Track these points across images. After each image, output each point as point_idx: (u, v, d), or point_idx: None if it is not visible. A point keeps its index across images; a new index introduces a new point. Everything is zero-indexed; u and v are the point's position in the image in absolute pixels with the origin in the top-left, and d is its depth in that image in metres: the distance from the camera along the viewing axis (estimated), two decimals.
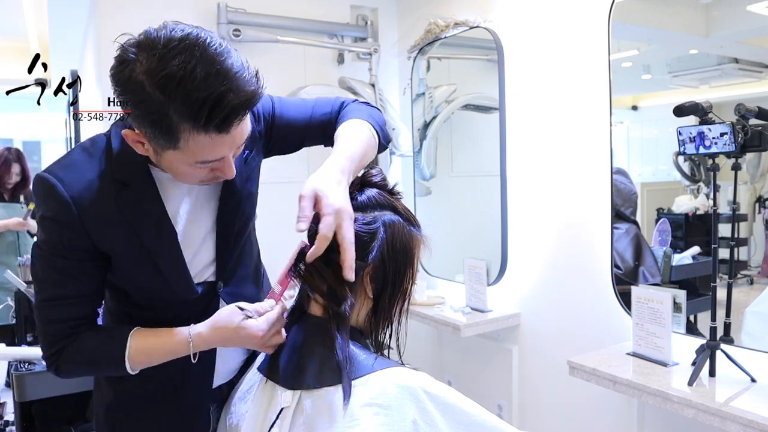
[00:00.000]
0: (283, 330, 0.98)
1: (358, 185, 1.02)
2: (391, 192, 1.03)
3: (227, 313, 0.96)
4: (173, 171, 0.92)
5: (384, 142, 1.14)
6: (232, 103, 0.80)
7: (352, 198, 0.98)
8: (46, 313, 0.97)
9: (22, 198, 3.70)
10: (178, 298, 1.03)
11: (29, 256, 3.02)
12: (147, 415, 1.10)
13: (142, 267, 0.99)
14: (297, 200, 0.87)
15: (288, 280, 0.95)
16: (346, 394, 0.86)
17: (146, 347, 0.98)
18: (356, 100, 1.18)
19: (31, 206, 3.64)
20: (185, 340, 0.96)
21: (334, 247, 0.88)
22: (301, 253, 0.92)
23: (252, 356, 1.14)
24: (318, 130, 1.15)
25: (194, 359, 0.97)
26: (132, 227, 0.95)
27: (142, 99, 0.80)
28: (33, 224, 3.62)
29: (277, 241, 1.43)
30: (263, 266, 1.27)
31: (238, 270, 1.12)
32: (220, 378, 1.13)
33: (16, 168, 3.64)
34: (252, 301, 1.03)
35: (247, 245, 1.15)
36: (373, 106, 1.17)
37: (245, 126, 0.88)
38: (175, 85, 0.78)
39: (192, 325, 0.98)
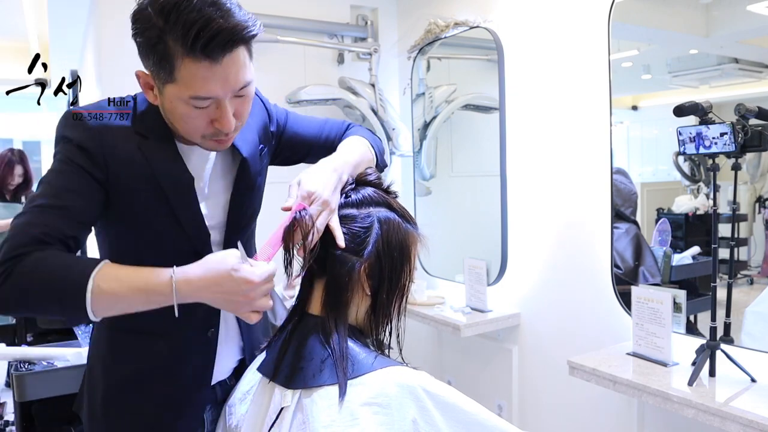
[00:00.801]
0: (268, 303, 0.89)
1: (353, 184, 1.03)
2: (387, 190, 1.04)
3: (222, 254, 0.88)
4: (174, 115, 0.92)
5: (380, 164, 1.18)
6: (220, 27, 0.83)
7: (347, 195, 0.99)
8: (30, 218, 0.88)
9: (23, 199, 3.71)
10: (189, 246, 1.00)
11: None
12: (142, 408, 1.06)
13: (158, 208, 0.97)
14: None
15: (280, 244, 0.91)
16: (341, 392, 0.86)
17: (119, 274, 0.85)
18: (362, 126, 1.27)
19: None
20: (167, 279, 0.85)
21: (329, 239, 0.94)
22: (292, 224, 0.91)
23: (252, 358, 1.14)
24: (323, 146, 1.21)
25: (176, 310, 0.85)
26: (152, 171, 0.95)
27: (147, 27, 0.85)
28: None
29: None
30: None
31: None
32: (214, 376, 1.12)
33: (19, 169, 3.65)
34: None
35: (250, 242, 1.18)
36: (376, 136, 1.25)
37: (239, 66, 0.88)
38: (173, 10, 0.82)
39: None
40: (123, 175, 0.94)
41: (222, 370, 1.14)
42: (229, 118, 0.91)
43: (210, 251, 1.00)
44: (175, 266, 0.87)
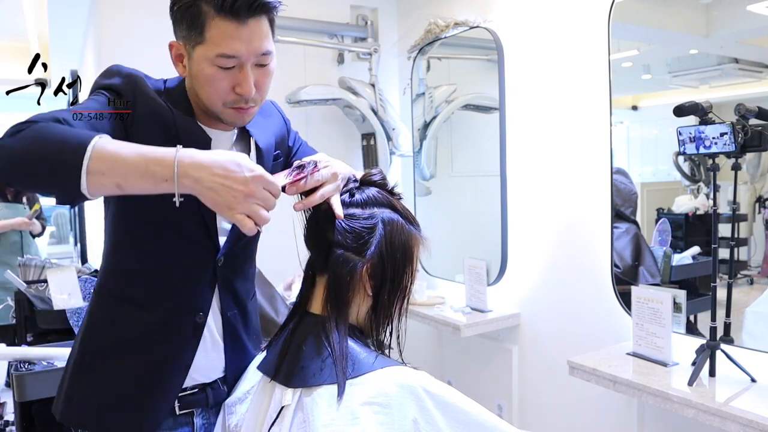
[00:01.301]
0: (266, 213, 0.85)
1: (357, 183, 1.03)
2: (391, 192, 1.04)
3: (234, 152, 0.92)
4: (200, 79, 0.97)
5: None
6: None
7: (352, 195, 1.00)
8: (52, 113, 0.90)
9: (24, 199, 3.71)
10: (197, 210, 0.98)
11: (30, 256, 3.03)
12: (115, 375, 1.04)
13: None
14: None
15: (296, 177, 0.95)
16: (340, 391, 0.86)
17: (122, 144, 0.83)
18: None
19: (37, 206, 3.65)
20: (171, 150, 0.82)
21: (329, 216, 0.96)
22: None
23: (242, 364, 1.13)
24: None
25: (177, 198, 0.82)
26: (174, 123, 0.99)
27: None
28: (38, 225, 3.63)
29: (271, 245, 1.41)
30: (257, 268, 1.28)
31: (240, 258, 1.13)
32: (200, 374, 1.09)
33: None
34: (239, 293, 1.11)
35: (253, 242, 1.17)
36: None
37: (262, 32, 0.96)
38: None
39: None
40: (146, 122, 0.98)
41: (207, 366, 1.10)
42: (249, 83, 0.96)
43: (215, 222, 1.04)
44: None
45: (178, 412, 1.07)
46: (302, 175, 0.95)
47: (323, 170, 0.97)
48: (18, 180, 0.86)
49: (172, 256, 1.05)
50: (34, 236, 3.73)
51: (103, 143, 0.81)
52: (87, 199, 0.83)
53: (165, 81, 1.06)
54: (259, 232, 0.93)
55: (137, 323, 1.04)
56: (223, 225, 1.08)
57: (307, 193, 0.97)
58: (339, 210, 0.97)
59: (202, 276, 1.07)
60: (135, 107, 0.98)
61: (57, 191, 0.85)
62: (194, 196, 0.84)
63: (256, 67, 0.97)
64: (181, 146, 0.83)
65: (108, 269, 1.09)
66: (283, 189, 0.94)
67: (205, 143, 1.01)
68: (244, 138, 1.11)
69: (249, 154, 1.09)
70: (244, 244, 1.13)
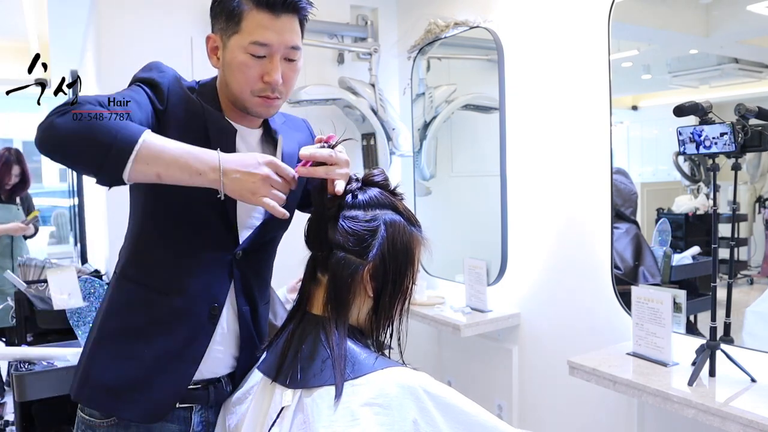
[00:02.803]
0: (282, 195, 0.96)
1: (360, 183, 1.03)
2: (393, 192, 1.04)
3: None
4: (232, 67, 1.05)
5: None
6: None
7: (354, 196, 1.00)
8: (94, 95, 0.97)
9: (18, 200, 3.67)
10: (218, 203, 1.02)
11: (28, 256, 3.02)
12: (130, 356, 1.06)
13: None
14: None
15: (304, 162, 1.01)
16: (338, 392, 0.86)
17: (167, 140, 0.93)
18: None
19: (35, 213, 3.62)
20: (213, 152, 0.94)
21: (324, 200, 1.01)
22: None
23: (249, 363, 1.13)
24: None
25: (221, 191, 0.93)
26: (203, 114, 1.06)
27: None
28: (31, 227, 3.58)
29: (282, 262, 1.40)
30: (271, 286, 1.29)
31: (257, 258, 1.15)
32: (207, 369, 1.09)
33: (16, 169, 3.61)
34: (254, 292, 1.13)
35: (271, 244, 1.20)
36: None
37: (293, 28, 1.05)
38: None
39: None
40: (178, 114, 1.05)
41: (214, 364, 1.11)
42: (277, 73, 1.04)
43: (235, 212, 1.08)
44: (204, 213, 1.03)
45: (177, 405, 1.08)
46: (327, 140, 1.05)
47: (340, 154, 1.03)
48: (61, 157, 0.92)
49: (194, 245, 1.08)
50: (26, 238, 3.69)
51: (152, 137, 0.92)
52: (123, 184, 0.92)
53: (198, 81, 1.15)
54: (283, 226, 1.14)
55: (154, 308, 1.06)
56: (248, 222, 1.12)
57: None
58: (340, 187, 1.00)
59: (220, 267, 1.09)
60: (168, 99, 1.05)
61: (100, 173, 0.92)
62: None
63: (284, 61, 1.06)
64: (219, 149, 0.95)
65: (129, 253, 1.12)
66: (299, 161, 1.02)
67: (230, 134, 1.08)
68: (270, 142, 1.16)
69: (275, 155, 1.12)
70: (263, 244, 1.15)
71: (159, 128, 1.01)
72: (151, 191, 1.06)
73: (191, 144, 0.97)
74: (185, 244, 1.08)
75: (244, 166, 0.94)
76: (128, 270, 1.10)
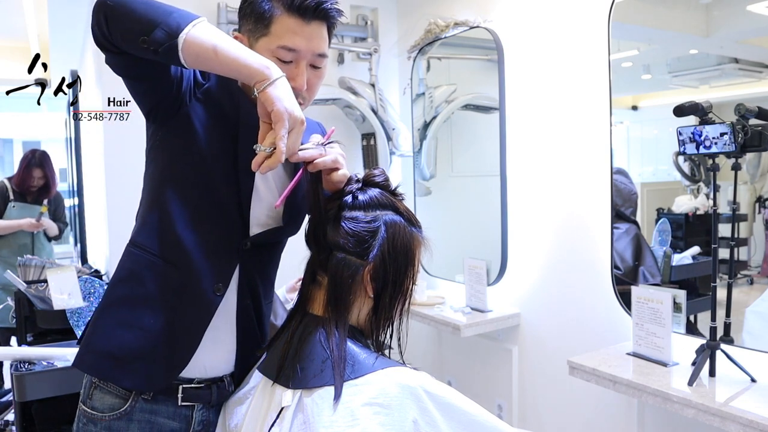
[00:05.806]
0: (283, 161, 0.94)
1: (361, 185, 1.03)
2: (394, 192, 1.04)
3: None
4: None
5: None
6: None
7: (355, 197, 1.00)
8: None
9: (45, 202, 3.58)
10: (235, 193, 1.07)
11: (30, 256, 3.01)
12: (126, 326, 1.06)
13: (224, 142, 1.07)
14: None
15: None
16: (337, 393, 0.86)
17: (221, 32, 0.96)
18: None
19: (44, 209, 3.55)
20: (276, 69, 0.95)
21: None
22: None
23: (250, 362, 1.13)
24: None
25: (256, 94, 0.94)
26: (238, 101, 1.08)
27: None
28: (48, 224, 3.54)
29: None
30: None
31: (264, 255, 1.15)
32: (211, 367, 1.10)
33: (37, 172, 3.52)
34: (257, 288, 1.12)
35: (278, 246, 1.20)
36: None
37: (321, 35, 1.06)
38: None
39: None
40: (216, 94, 1.08)
41: (212, 361, 1.10)
42: (303, 78, 1.05)
43: (249, 205, 1.09)
44: (219, 191, 1.05)
45: (180, 403, 1.07)
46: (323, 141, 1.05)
47: (332, 150, 1.05)
48: (118, 33, 0.93)
49: (205, 223, 1.08)
50: (50, 239, 3.63)
51: (201, 26, 0.93)
52: (177, 60, 0.92)
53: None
54: (294, 231, 1.16)
55: (160, 277, 1.06)
56: (262, 219, 1.11)
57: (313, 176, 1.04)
58: (313, 159, 1.00)
59: (227, 251, 1.09)
60: (211, 76, 1.09)
61: (157, 30, 0.91)
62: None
63: (310, 68, 1.06)
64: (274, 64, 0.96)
65: (140, 222, 1.12)
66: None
67: (256, 130, 1.08)
68: None
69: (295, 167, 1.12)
70: (271, 244, 1.15)
71: (196, 99, 1.05)
72: (178, 149, 1.07)
73: (222, 131, 1.03)
74: (197, 222, 1.07)
75: (291, 104, 0.94)
76: (137, 238, 1.10)
